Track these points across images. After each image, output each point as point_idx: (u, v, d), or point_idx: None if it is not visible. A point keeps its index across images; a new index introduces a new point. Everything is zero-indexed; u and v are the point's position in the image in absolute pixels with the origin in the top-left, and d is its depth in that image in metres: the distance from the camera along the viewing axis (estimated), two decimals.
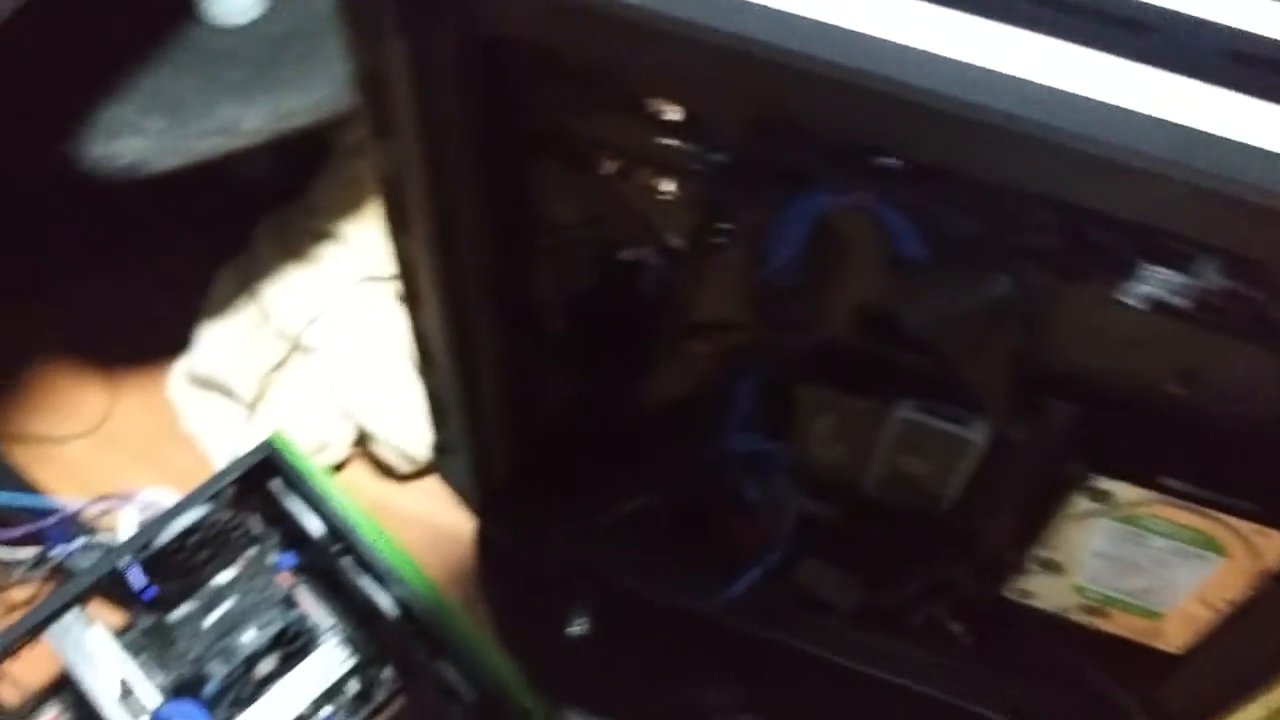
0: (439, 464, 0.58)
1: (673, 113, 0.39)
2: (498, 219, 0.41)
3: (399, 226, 0.41)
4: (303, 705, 0.87)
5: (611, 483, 0.53)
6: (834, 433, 0.44)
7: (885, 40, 0.32)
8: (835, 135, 0.34)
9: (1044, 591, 0.51)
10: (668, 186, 0.40)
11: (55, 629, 0.83)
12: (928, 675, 0.51)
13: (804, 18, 0.32)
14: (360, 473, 1.05)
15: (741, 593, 0.51)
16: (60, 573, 0.96)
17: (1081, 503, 0.47)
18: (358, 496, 0.91)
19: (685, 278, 0.41)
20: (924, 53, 0.32)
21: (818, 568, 0.49)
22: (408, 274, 0.44)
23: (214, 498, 0.87)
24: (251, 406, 1.04)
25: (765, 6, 0.32)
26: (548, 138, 0.39)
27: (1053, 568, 0.50)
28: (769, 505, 0.48)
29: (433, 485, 1.04)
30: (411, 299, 0.46)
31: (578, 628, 0.51)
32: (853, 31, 0.31)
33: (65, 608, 0.83)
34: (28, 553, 0.94)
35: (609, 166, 0.40)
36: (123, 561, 0.84)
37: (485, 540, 0.65)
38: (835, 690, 0.58)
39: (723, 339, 0.43)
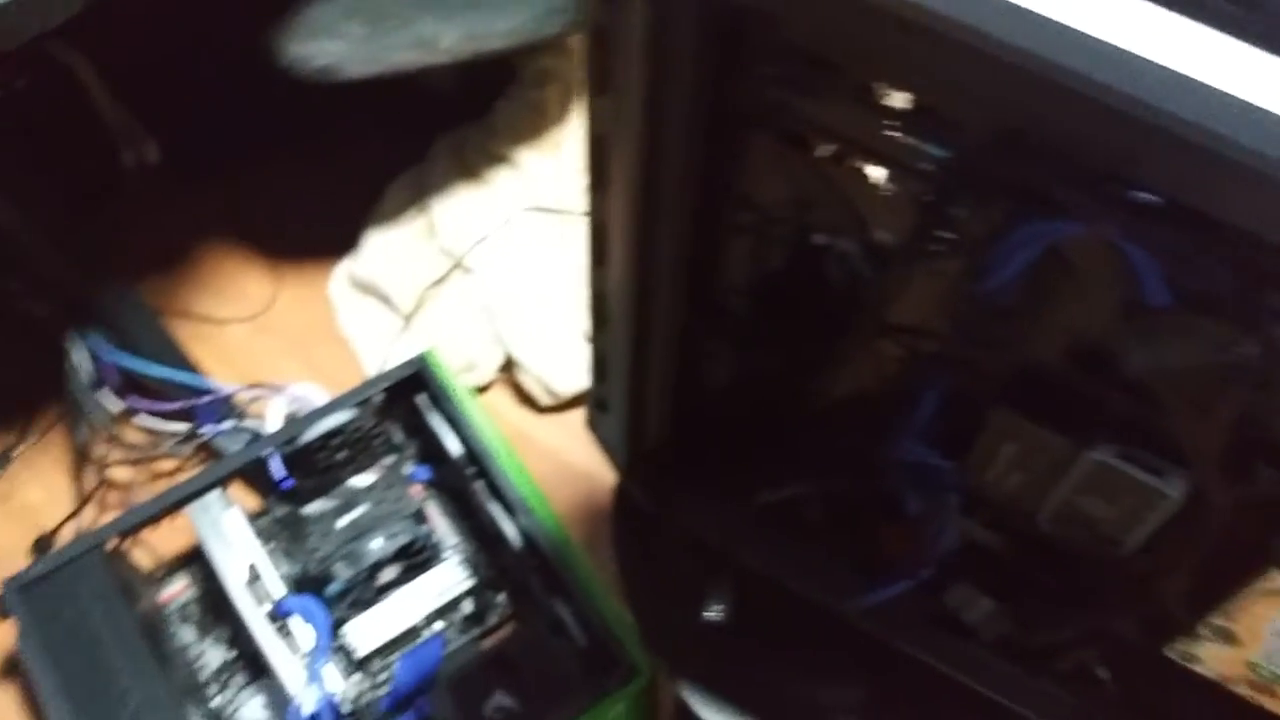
0: (591, 416, 0.57)
1: (904, 103, 0.36)
2: (701, 190, 0.39)
3: (599, 183, 0.39)
4: (417, 617, 0.89)
5: (766, 468, 0.51)
6: (1017, 461, 0.42)
7: (1167, 68, 0.28)
8: (1091, 159, 0.31)
9: (1211, 659, 0.48)
10: (887, 181, 0.37)
11: (197, 505, 0.86)
12: (1062, 715, 0.48)
13: (1079, 31, 0.28)
14: (502, 399, 1.06)
15: (883, 601, 0.49)
16: (205, 451, 1.00)
17: (1276, 579, 0.43)
18: (497, 423, 0.92)
19: (888, 277, 0.39)
20: (1208, 87, 0.28)
21: (969, 594, 0.47)
22: (598, 231, 0.42)
23: (362, 404, 0.88)
24: (406, 318, 1.05)
25: (1035, 13, 0.29)
26: (768, 114, 0.37)
27: (1227, 638, 0.47)
28: (930, 521, 0.45)
29: (571, 422, 1.04)
30: (597, 256, 0.45)
31: (714, 613, 0.50)
32: (1133, 54, 0.28)
33: (209, 487, 0.86)
34: (178, 427, 0.98)
35: (826, 150, 0.38)
36: (268, 451, 0.87)
37: (624, 498, 0.65)
38: (956, 710, 0.56)
39: (917, 345, 0.40)
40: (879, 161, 0.36)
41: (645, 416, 0.51)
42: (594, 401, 0.55)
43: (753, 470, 0.52)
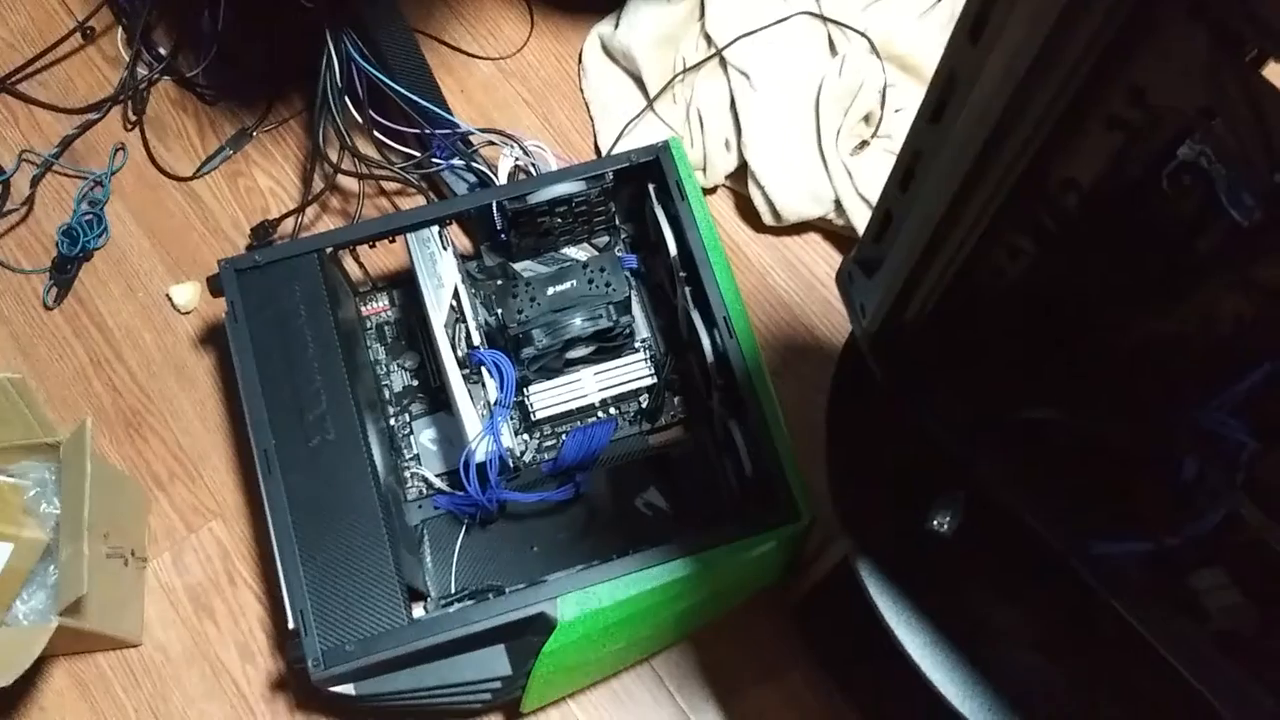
0: (848, 272, 0.53)
1: None
2: (1095, 65, 0.33)
3: (974, 27, 0.34)
4: (595, 399, 0.89)
5: (1028, 386, 0.47)
6: None
7: None
8: None
9: None
10: None
11: (417, 235, 0.87)
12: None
13: None
14: (723, 207, 1.02)
15: (1113, 555, 0.46)
16: (429, 181, 1.00)
17: None
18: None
19: (1274, 226, 0.34)
20: None
21: (1218, 579, 0.43)
22: (947, 81, 0.38)
23: (595, 178, 0.86)
24: (652, 99, 1.01)
25: None
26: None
27: None
28: (1202, 493, 0.41)
29: (786, 248, 1.01)
30: (935, 109, 0.40)
31: (941, 523, 0.47)
32: None
33: (434, 221, 0.86)
34: (411, 152, 0.98)
35: (1257, 54, 0.32)
36: (498, 200, 0.86)
37: (850, 366, 0.61)
38: (1140, 682, 0.54)
39: (1276, 314, 0.35)
40: None
41: (914, 293, 0.47)
42: (859, 259, 0.51)
43: (1011, 385, 0.48)
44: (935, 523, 0.47)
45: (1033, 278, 0.46)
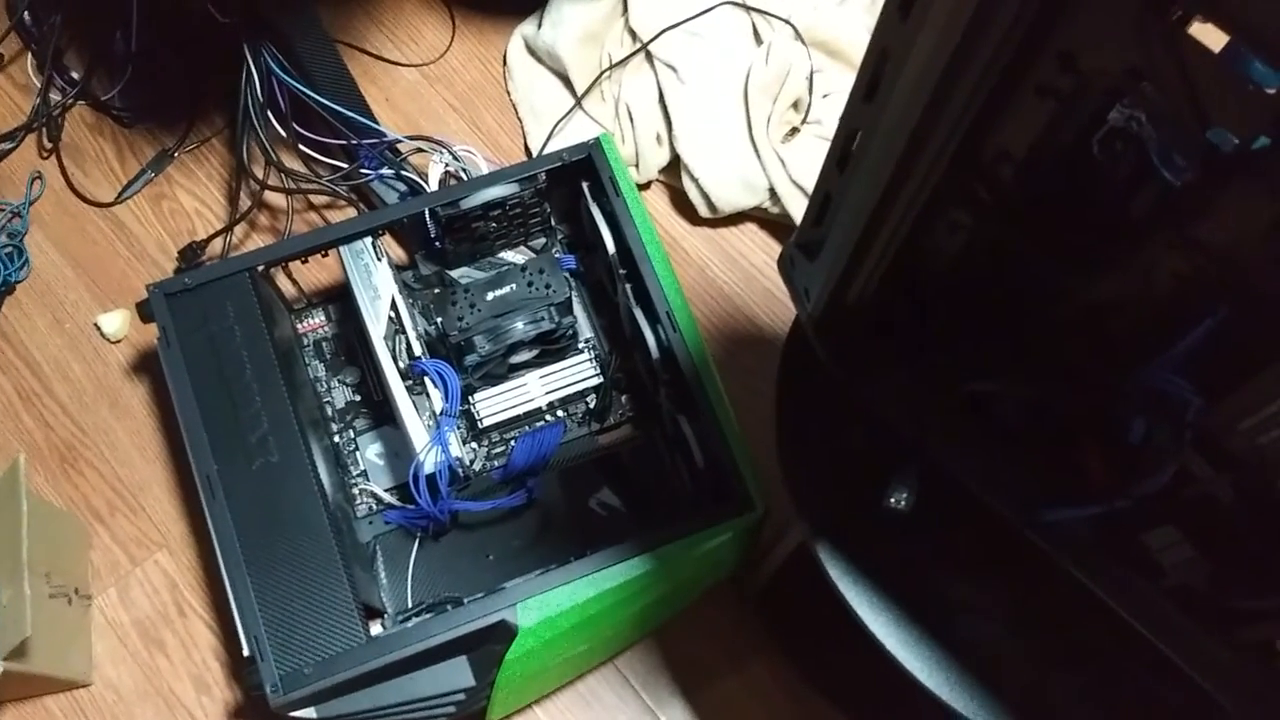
0: (790, 257, 0.53)
1: None
2: (1025, 34, 0.34)
3: (870, 92, 0.35)
4: (542, 402, 0.89)
5: (974, 358, 0.48)
6: None
7: None
8: None
9: None
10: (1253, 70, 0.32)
11: (350, 248, 0.85)
12: (1228, 682, 0.45)
13: None
14: (657, 202, 1.02)
15: (1065, 520, 0.46)
16: (358, 192, 0.99)
17: None
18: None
19: (1207, 184, 0.34)
20: None
21: (1170, 536, 0.44)
22: (879, 58, 0.37)
23: (527, 179, 0.86)
24: (579, 97, 1.01)
25: None
26: None
27: None
28: (1151, 453, 0.42)
29: (722, 240, 1.01)
30: (868, 87, 0.40)
31: (898, 500, 0.47)
32: None
33: (367, 232, 0.85)
34: (338, 163, 0.96)
35: (1182, 14, 0.32)
36: (429, 208, 0.85)
37: (796, 350, 0.61)
38: (1095, 642, 0.55)
39: (1213, 270, 0.36)
40: (1244, 37, 0.30)
41: (856, 274, 0.47)
42: (799, 243, 0.51)
43: (957, 359, 0.48)
44: (892, 500, 0.48)
45: (972, 251, 0.47)
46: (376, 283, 0.85)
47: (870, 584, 0.57)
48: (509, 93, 1.05)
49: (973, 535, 0.55)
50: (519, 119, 1.04)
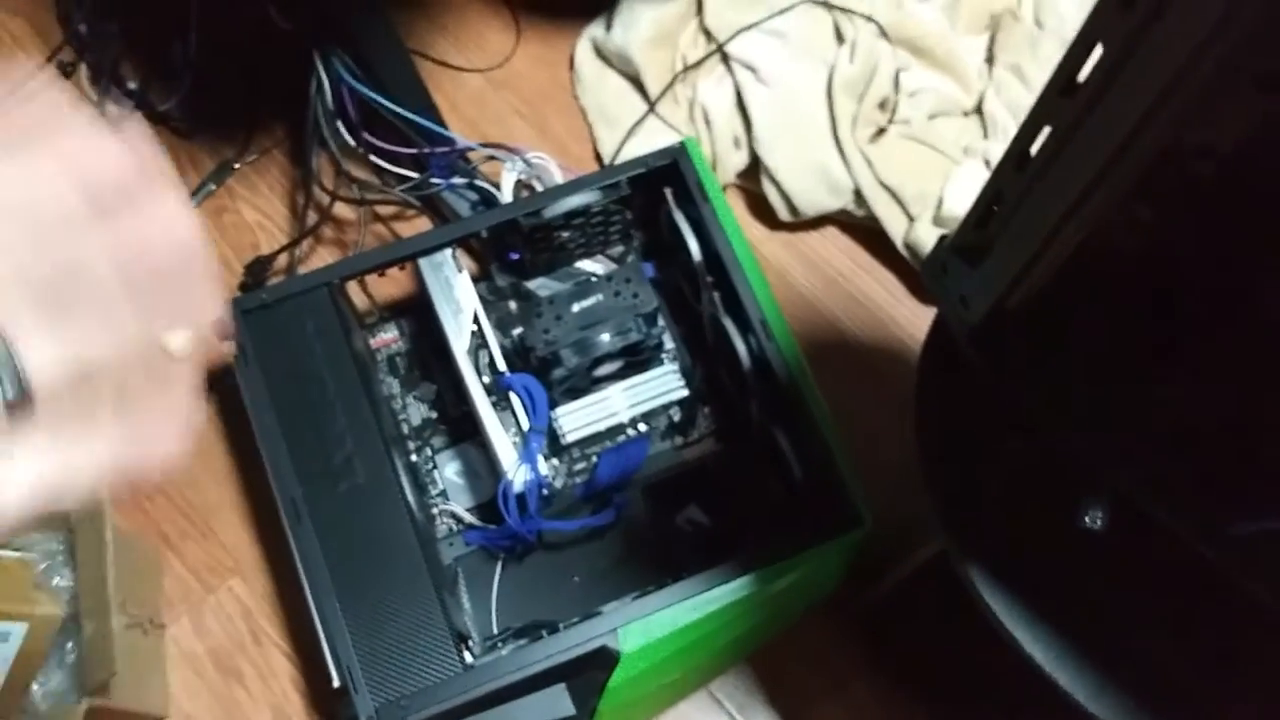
0: (940, 261, 0.50)
1: None
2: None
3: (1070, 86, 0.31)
4: (625, 416, 0.85)
5: (1154, 362, 0.44)
6: None
7: None
8: None
9: None
10: None
11: (429, 261, 0.82)
12: None
13: None
14: (732, 206, 0.99)
15: (1257, 535, 0.43)
16: (428, 202, 0.96)
17: None
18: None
19: None
20: None
21: None
22: (1081, 47, 0.34)
23: (611, 186, 0.83)
24: (653, 100, 0.98)
25: None
26: None
27: None
28: None
29: (801, 244, 0.98)
30: (1065, 81, 0.37)
31: (1093, 520, 0.44)
32: None
33: (446, 244, 0.82)
34: (407, 173, 0.93)
35: None
36: (511, 219, 0.82)
37: (937, 360, 0.58)
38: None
39: None
40: None
41: (1028, 279, 0.44)
42: (956, 248, 0.48)
43: (1130, 364, 0.45)
44: (1087, 519, 0.44)
45: (1156, 249, 0.43)
46: (458, 296, 0.82)
47: (1025, 603, 0.54)
48: (577, 97, 1.02)
49: (1143, 548, 0.51)
50: (588, 124, 1.01)
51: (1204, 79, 0.33)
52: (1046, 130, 0.40)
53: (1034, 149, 0.42)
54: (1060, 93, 0.38)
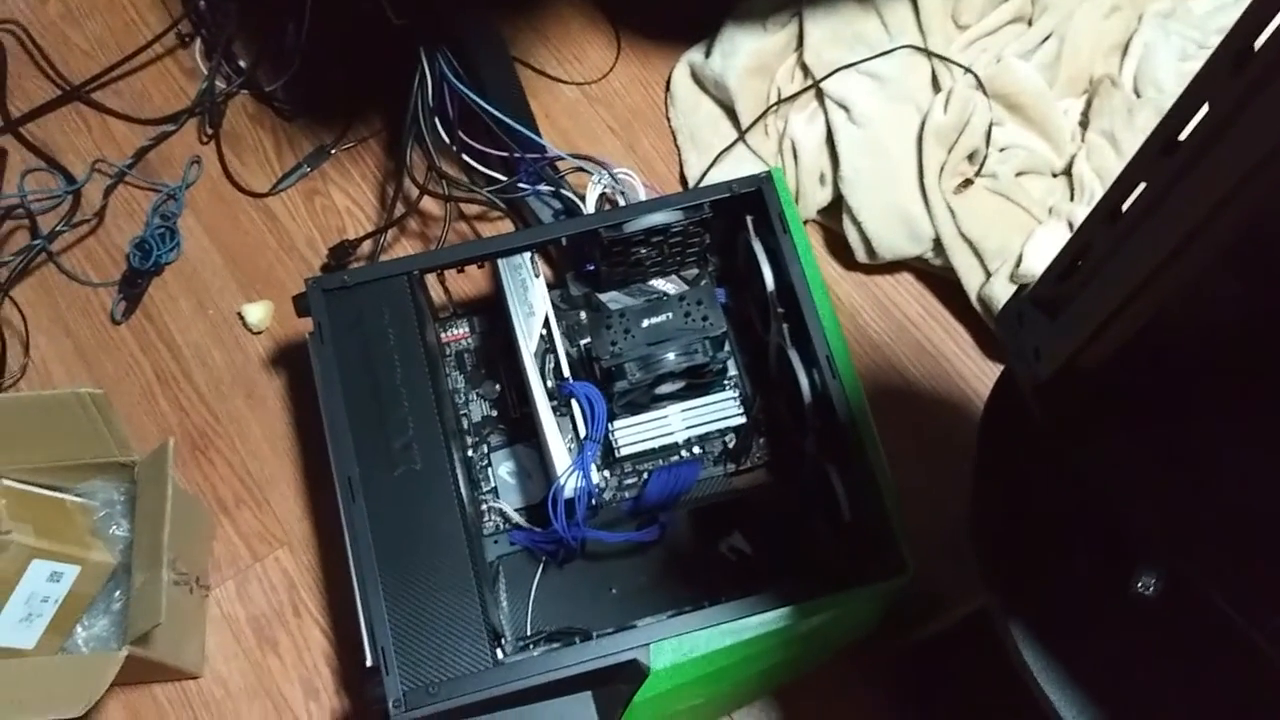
0: (1017, 310, 0.50)
1: None
2: None
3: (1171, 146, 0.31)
4: (680, 437, 0.86)
5: (1230, 432, 0.44)
6: None
7: None
8: None
9: None
10: None
11: (508, 262, 0.84)
12: None
13: None
14: (810, 242, 0.99)
15: None
16: (512, 206, 0.98)
17: None
18: None
19: None
20: None
21: None
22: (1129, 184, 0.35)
23: (693, 208, 0.83)
24: (743, 130, 0.99)
25: None
26: None
27: None
28: None
29: (879, 286, 0.98)
30: (1167, 140, 0.37)
31: (1147, 586, 0.43)
32: None
33: (528, 247, 0.83)
34: (495, 175, 0.95)
35: None
36: (594, 229, 0.83)
37: (1001, 410, 0.58)
38: None
39: None
40: None
41: (1105, 337, 0.44)
42: (1035, 298, 0.48)
43: (1205, 433, 0.44)
44: (1140, 585, 0.44)
45: (1245, 323, 0.43)
46: (532, 299, 0.83)
47: (1062, 665, 0.53)
48: (669, 119, 1.03)
49: (1192, 622, 0.50)
50: (677, 146, 1.02)
51: None
52: (1141, 187, 0.40)
53: (1126, 205, 0.42)
54: (1160, 151, 0.38)
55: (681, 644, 0.71)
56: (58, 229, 0.98)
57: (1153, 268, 0.40)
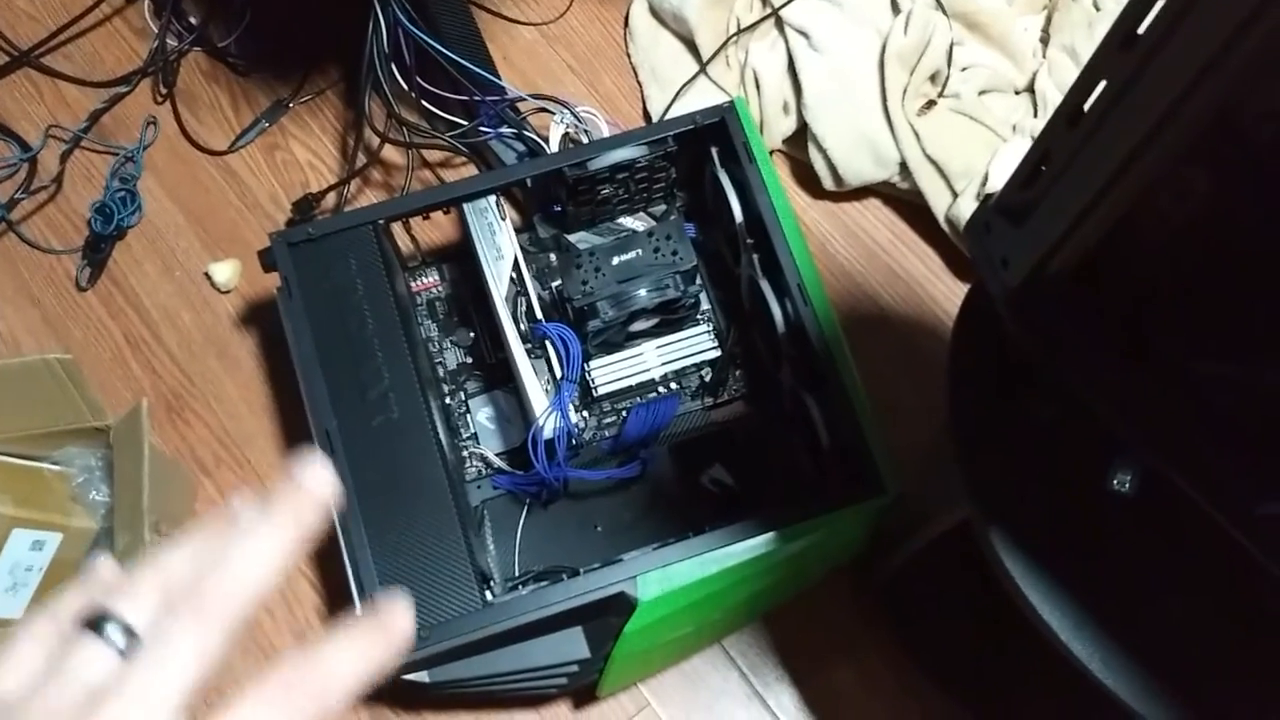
0: (984, 220, 0.50)
1: None
2: None
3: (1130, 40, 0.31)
4: (656, 373, 0.86)
5: (1196, 335, 0.44)
6: None
7: None
8: None
9: None
10: None
11: (473, 206, 0.83)
12: None
13: None
14: (778, 171, 0.99)
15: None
16: (475, 150, 0.97)
17: None
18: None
19: None
20: None
21: None
22: (1088, 85, 0.34)
23: (658, 142, 0.83)
24: (704, 62, 0.98)
25: None
26: None
27: None
28: None
29: (847, 213, 0.98)
30: (1126, 33, 0.37)
31: (1122, 483, 0.44)
32: None
33: (491, 190, 0.83)
34: (456, 120, 0.94)
35: None
36: (556, 169, 0.82)
37: (972, 325, 0.58)
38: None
39: None
40: None
41: (1071, 241, 0.44)
42: (1001, 207, 0.48)
43: (1171, 337, 0.45)
44: (1115, 482, 0.44)
45: (1208, 218, 0.43)
46: (499, 243, 0.83)
47: (1045, 569, 0.54)
48: (629, 55, 1.02)
49: (1170, 516, 0.51)
50: (639, 83, 1.01)
51: (1265, 37, 0.33)
52: (1102, 85, 0.40)
53: (1087, 105, 0.42)
54: (1120, 46, 0.38)
55: (667, 575, 0.72)
56: (16, 197, 0.97)
57: (1116, 167, 0.40)
